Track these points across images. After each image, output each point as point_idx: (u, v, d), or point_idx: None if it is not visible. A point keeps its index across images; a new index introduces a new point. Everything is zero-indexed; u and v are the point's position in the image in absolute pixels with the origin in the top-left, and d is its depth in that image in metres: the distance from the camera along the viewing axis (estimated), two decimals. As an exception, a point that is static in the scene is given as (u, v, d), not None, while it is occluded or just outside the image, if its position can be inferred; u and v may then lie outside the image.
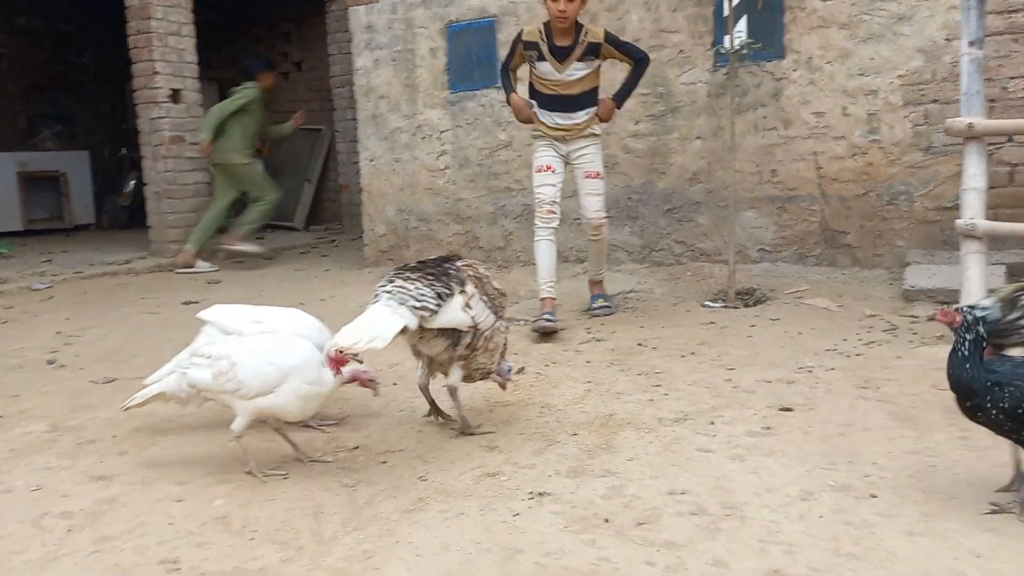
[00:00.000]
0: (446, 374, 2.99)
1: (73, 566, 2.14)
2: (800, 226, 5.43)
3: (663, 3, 5.66)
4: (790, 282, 5.21)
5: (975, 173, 3.97)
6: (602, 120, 4.77)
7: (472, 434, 2.97)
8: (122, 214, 10.67)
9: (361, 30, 6.92)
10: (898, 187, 5.12)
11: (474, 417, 3.20)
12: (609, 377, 3.68)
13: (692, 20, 5.59)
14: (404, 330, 2.63)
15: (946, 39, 4.87)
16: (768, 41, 5.15)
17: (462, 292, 2.76)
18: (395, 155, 6.87)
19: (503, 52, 6.21)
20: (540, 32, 4.63)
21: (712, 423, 3.01)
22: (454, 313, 2.74)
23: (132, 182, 10.05)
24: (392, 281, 2.72)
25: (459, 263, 2.88)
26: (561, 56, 4.60)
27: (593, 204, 4.76)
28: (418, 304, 2.64)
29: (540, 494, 2.46)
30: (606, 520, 2.27)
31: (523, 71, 4.87)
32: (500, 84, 5.02)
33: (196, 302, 5.91)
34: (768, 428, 2.92)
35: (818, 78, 5.25)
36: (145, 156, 7.79)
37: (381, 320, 2.59)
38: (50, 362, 4.34)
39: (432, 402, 3.13)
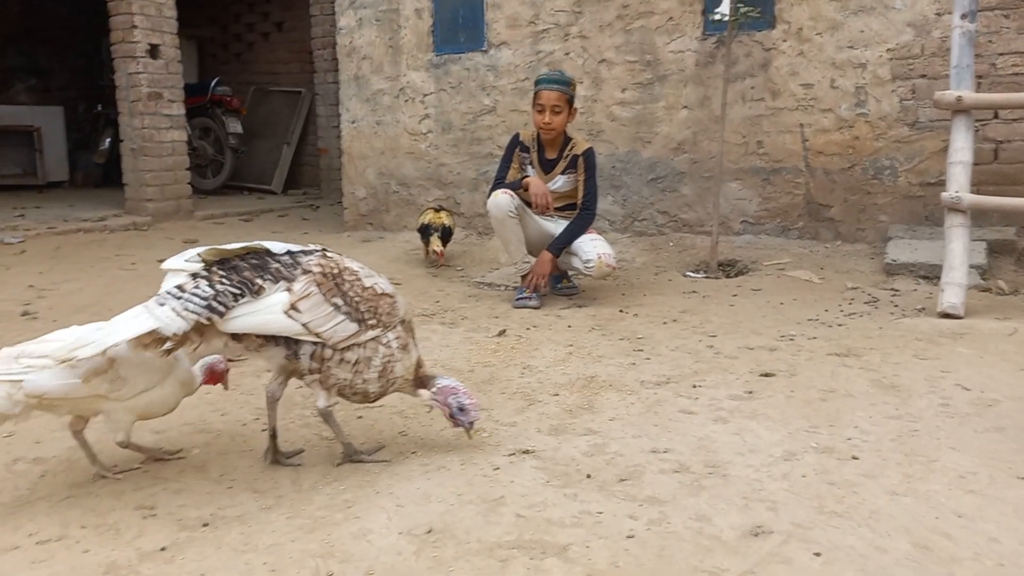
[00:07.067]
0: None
1: (47, 509, 2.09)
2: (784, 199, 5.43)
3: (654, -31, 5.61)
4: (772, 254, 5.21)
5: (962, 147, 3.97)
6: (537, 273, 4.38)
7: (362, 460, 2.40)
8: (97, 172, 10.50)
9: (346, -12, 6.80)
10: (883, 161, 5.12)
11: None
12: (590, 341, 3.67)
13: (682, -12, 5.55)
14: (159, 336, 2.01)
15: (936, 13, 4.86)
16: (760, 10, 5.11)
17: (289, 290, 2.15)
18: (377, 117, 6.78)
19: (490, 15, 6.15)
20: (533, 139, 4.49)
21: (694, 387, 3.00)
22: (264, 315, 2.12)
23: (108, 139, 9.88)
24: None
25: (308, 258, 2.24)
26: (547, 168, 4.48)
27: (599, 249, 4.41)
28: (197, 302, 2.04)
29: (522, 451, 2.44)
30: (588, 476, 2.26)
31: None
32: (499, 167, 4.61)
33: (172, 260, 5.82)
34: (750, 392, 2.92)
35: (807, 49, 5.22)
36: (122, 112, 7.63)
37: (118, 322, 2.01)
38: (24, 314, 4.25)
39: (273, 430, 2.40)
